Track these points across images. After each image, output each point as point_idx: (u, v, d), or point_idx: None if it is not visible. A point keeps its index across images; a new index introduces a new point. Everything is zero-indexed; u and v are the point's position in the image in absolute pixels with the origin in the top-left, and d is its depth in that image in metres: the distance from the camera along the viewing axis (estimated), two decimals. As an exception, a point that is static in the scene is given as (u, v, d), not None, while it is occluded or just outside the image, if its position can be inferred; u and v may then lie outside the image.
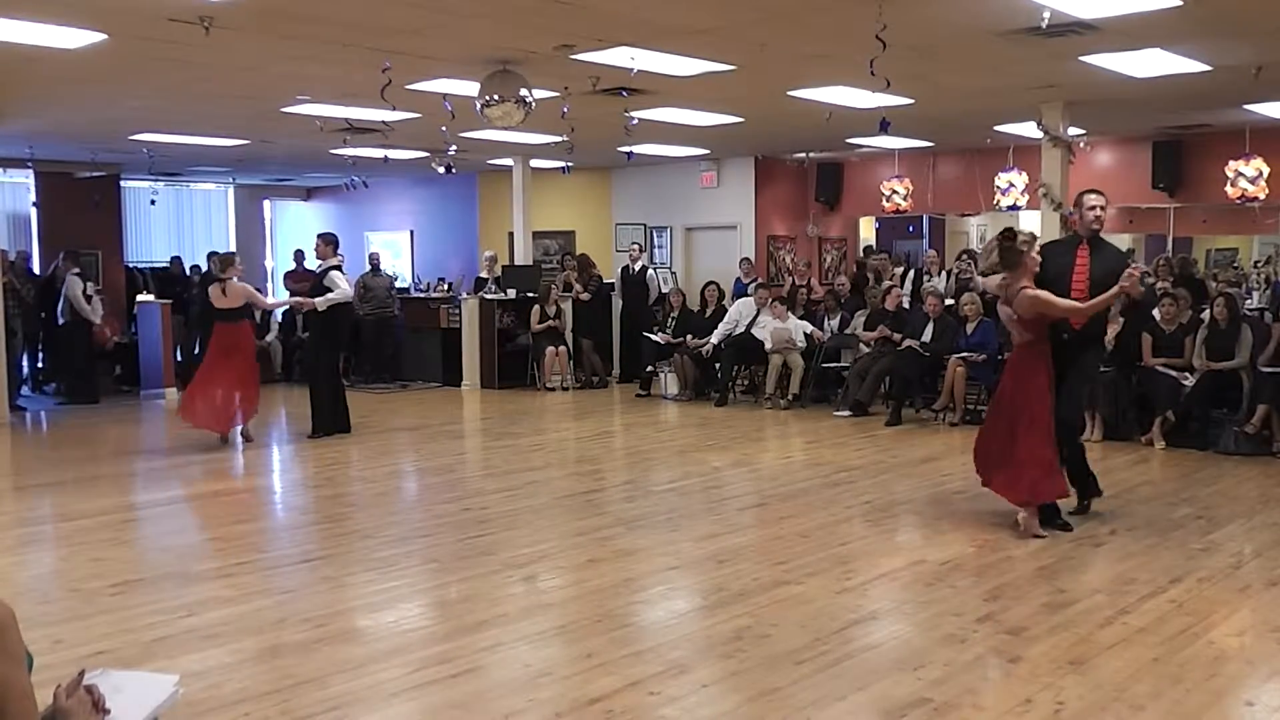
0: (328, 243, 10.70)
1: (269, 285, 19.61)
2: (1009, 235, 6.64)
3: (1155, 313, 10.35)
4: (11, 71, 8.72)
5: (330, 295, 10.37)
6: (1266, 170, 12.18)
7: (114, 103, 10.30)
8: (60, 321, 13.35)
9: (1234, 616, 5.12)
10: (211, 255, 11.90)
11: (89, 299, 13.45)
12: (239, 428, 10.34)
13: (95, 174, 15.64)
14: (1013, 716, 3.95)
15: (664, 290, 14.88)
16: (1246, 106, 11.01)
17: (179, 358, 15.70)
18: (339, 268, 10.60)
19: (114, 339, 14.78)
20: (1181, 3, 6.72)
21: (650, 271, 15.23)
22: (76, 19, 7.05)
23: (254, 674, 4.43)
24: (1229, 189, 12.40)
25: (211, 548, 6.67)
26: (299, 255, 16.84)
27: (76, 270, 13.57)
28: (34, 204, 15.84)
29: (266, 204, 20.54)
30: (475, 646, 4.72)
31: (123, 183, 16.81)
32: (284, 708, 4.05)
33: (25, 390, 13.77)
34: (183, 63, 8.33)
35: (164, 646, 4.76)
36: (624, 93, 9.42)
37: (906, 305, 12.85)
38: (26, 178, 15.69)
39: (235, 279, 10.22)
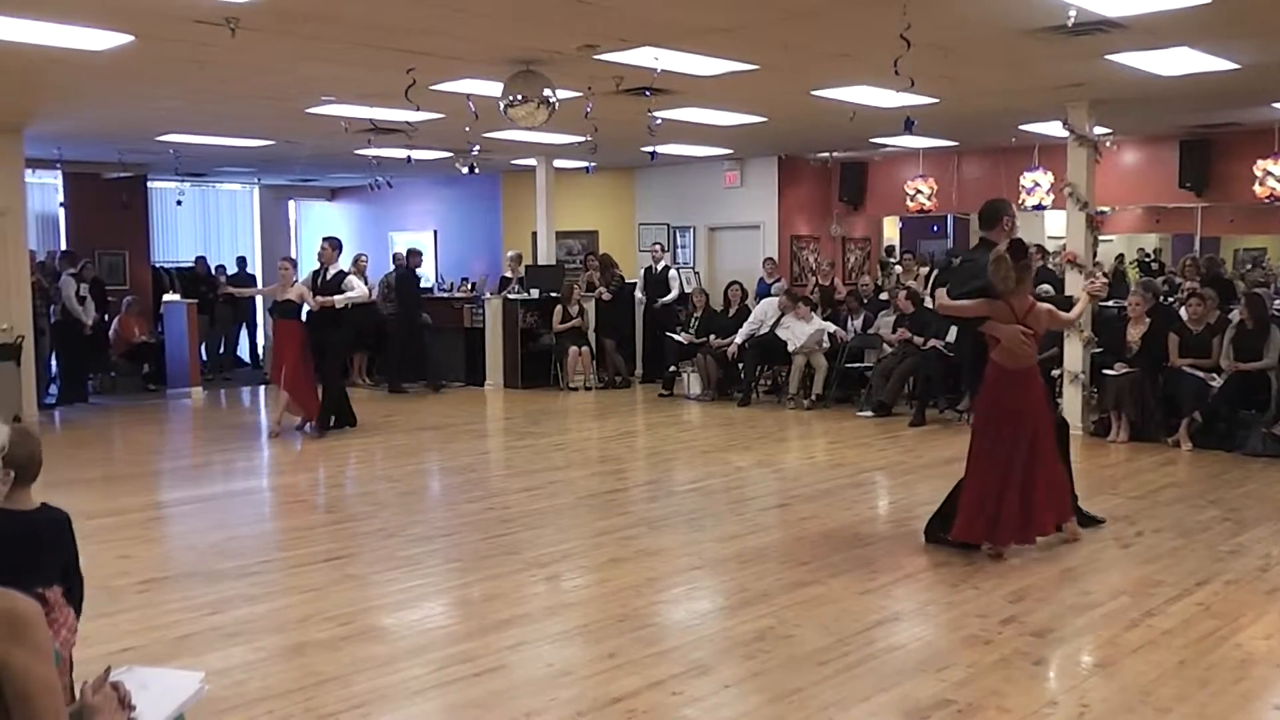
0: (334, 247, 11.00)
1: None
2: (1024, 251, 6.12)
3: (1182, 313, 10.28)
4: (40, 74, 8.79)
5: (350, 294, 10.73)
6: (1297, 169, 12.06)
7: (141, 104, 10.37)
8: (53, 321, 13.41)
9: (1262, 619, 5.08)
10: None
11: (83, 300, 13.53)
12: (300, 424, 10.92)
13: (122, 175, 15.75)
14: (1037, 719, 3.93)
15: (687, 290, 14.87)
16: (1276, 105, 10.90)
17: (204, 357, 15.82)
18: (350, 273, 10.97)
19: (141, 338, 14.92)
20: (1209, 0, 6.66)
21: (672, 271, 15.22)
22: (103, 21, 7.10)
23: (278, 672, 4.46)
24: (1257, 188, 12.28)
25: (236, 546, 6.71)
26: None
27: (73, 270, 13.69)
28: (62, 204, 15.98)
29: (291, 204, 20.64)
30: (498, 645, 4.74)
31: (149, 183, 16.93)
32: (307, 705, 4.08)
33: (54, 389, 13.90)
34: (209, 64, 8.38)
35: (189, 644, 4.80)
36: (647, 93, 9.41)
37: (931, 305, 12.80)
38: (55, 178, 15.82)
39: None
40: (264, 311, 16.95)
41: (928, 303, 12.83)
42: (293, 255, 19.27)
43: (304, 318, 10.77)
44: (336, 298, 10.64)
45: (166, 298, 15.34)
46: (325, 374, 10.92)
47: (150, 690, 2.59)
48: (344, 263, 11.53)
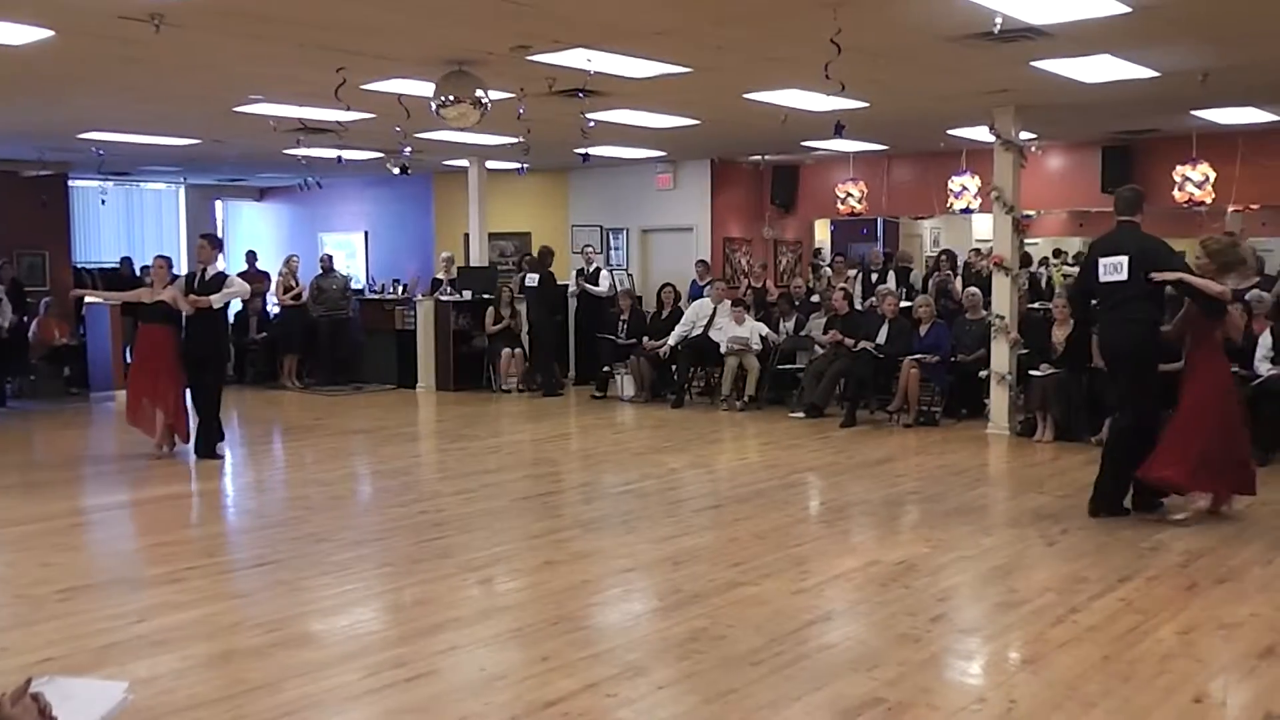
0: (213, 244, 9.98)
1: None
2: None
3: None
4: (-44, 68, 8.56)
5: (228, 291, 9.72)
6: (1212, 175, 12.37)
7: (62, 101, 10.14)
8: None
9: (1182, 614, 5.20)
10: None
11: None
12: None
13: (43, 173, 15.38)
14: (966, 715, 3.99)
15: (619, 289, 14.91)
16: (1193, 113, 11.19)
17: (128, 359, 15.51)
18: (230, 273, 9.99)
19: (62, 340, 14.58)
20: (1130, 9, 6.82)
21: (604, 272, 15.23)
22: (23, 15, 6.92)
23: (206, 680, 4.38)
24: (1176, 193, 12.58)
25: (163, 552, 6.58)
26: (251, 256, 16.68)
27: None
28: (-22, 203, 15.58)
29: (218, 204, 20.32)
30: (431, 650, 4.70)
31: (71, 182, 16.56)
32: (237, 714, 4.01)
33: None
34: (133, 61, 8.22)
35: (114, 653, 4.69)
36: (580, 94, 9.40)
37: (860, 307, 12.98)
38: (-28, 177, 15.42)
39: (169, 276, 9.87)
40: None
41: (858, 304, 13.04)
42: (219, 256, 18.95)
43: (182, 324, 9.65)
44: (213, 297, 9.49)
45: (89, 299, 15.01)
46: (208, 389, 9.68)
47: (72, 701, 2.54)
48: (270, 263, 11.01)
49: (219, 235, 10.44)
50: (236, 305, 16.21)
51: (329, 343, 15.28)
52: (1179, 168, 12.47)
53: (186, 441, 9.71)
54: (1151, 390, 7.13)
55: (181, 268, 18.28)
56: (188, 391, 9.76)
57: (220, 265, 9.99)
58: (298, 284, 15.40)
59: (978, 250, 14.77)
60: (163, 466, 9.28)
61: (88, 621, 5.12)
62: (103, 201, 17.39)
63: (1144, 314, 7.02)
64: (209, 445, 9.59)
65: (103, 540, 7.14)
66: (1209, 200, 12.52)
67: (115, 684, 2.86)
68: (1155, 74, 8.89)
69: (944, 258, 14.60)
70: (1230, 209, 13.51)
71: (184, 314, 9.57)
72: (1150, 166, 13.25)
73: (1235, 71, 8.91)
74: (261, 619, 5.13)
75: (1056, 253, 18.28)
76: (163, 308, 9.60)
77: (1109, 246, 7.15)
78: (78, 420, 12.53)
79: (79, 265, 16.90)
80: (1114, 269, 7.00)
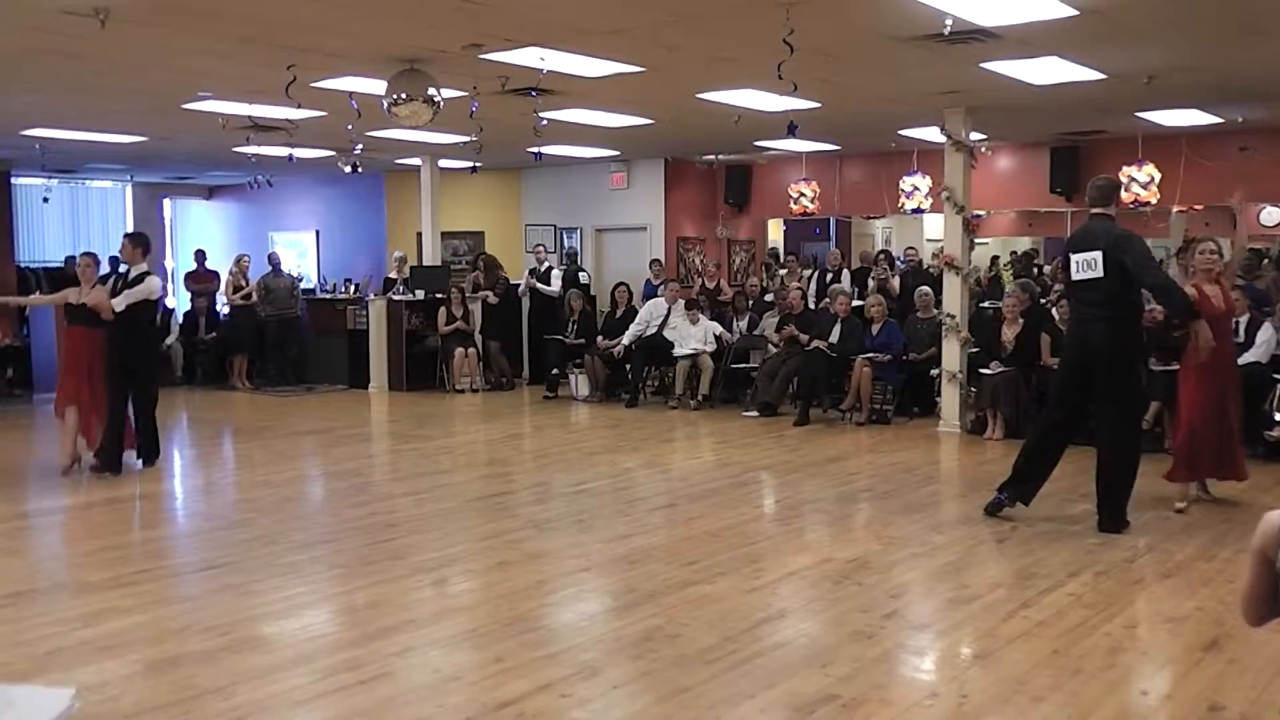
0: (136, 244, 9.17)
1: (169, 286, 19.10)
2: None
3: (1055, 313, 10.63)
4: (-107, 63, 8.37)
5: (132, 291, 8.79)
6: (1158, 176, 12.57)
7: (4, 96, 9.95)
8: None
9: (1129, 609, 5.28)
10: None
11: None
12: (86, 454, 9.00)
13: (-16, 170, 15.11)
14: (919, 710, 4.02)
15: (580, 283, 14.91)
16: (1139, 114, 11.36)
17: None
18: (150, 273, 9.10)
19: (4, 341, 14.32)
20: (1077, 12, 6.91)
21: (555, 271, 15.20)
22: (-37, 9, 6.80)
23: (154, 685, 4.32)
24: (1123, 194, 12.77)
25: (109, 556, 6.47)
26: (200, 255, 16.48)
27: None
28: (-83, 202, 15.26)
29: (166, 203, 20.03)
30: (384, 652, 4.66)
31: (13, 179, 16.26)
32: (186, 719, 3.96)
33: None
34: (78, 56, 8.08)
35: (58, 659, 4.61)
36: (533, 93, 9.37)
37: (813, 306, 13.05)
38: (-91, 174, 15.10)
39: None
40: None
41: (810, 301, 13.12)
42: (167, 256, 18.70)
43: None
44: (115, 300, 8.68)
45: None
46: (143, 397, 9.06)
47: (16, 709, 2.49)
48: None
49: (144, 234, 9.53)
50: (185, 305, 16.02)
51: (277, 343, 15.14)
52: (1125, 168, 12.65)
53: (91, 447, 8.99)
54: (1139, 393, 7.03)
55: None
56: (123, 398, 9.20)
57: (144, 266, 9.12)
58: (248, 283, 15.24)
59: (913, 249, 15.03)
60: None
61: (31, 628, 5.03)
62: (45, 200, 17.09)
63: (1123, 312, 6.70)
64: (152, 452, 9.21)
65: (46, 544, 7.02)
66: (1154, 201, 12.72)
67: (61, 691, 2.81)
68: (1102, 76, 9.02)
69: (881, 257, 14.79)
70: (1174, 209, 13.74)
71: (112, 318, 8.84)
72: (1097, 167, 13.38)
73: (1179, 74, 9.06)
74: (211, 623, 5.07)
75: (1018, 255, 18.40)
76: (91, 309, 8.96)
77: (1080, 242, 6.86)
78: (21, 422, 12.31)
79: (22, 265, 16.60)
80: (1087, 265, 6.66)
